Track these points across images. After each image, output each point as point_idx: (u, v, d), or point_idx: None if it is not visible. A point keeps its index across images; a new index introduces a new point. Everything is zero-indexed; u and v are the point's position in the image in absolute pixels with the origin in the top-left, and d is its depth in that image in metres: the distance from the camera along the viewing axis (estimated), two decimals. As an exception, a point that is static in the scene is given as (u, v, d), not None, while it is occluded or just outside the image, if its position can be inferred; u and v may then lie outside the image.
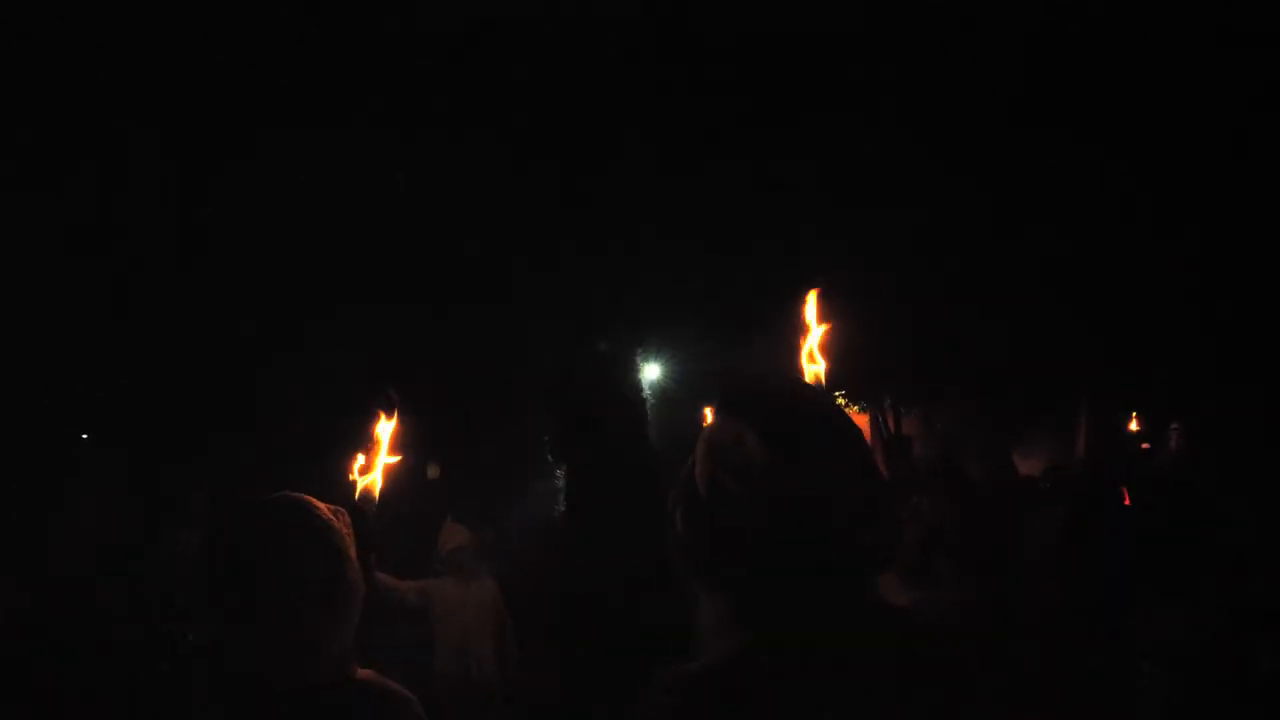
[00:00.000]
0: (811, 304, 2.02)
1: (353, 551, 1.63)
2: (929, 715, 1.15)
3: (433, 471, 5.55)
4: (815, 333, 1.99)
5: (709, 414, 3.93)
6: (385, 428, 2.02)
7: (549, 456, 2.24)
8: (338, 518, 1.65)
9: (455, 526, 4.90)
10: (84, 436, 7.23)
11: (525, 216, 6.92)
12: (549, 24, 6.25)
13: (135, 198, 6.34)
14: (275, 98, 6.23)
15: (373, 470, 1.97)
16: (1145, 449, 6.29)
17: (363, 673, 1.61)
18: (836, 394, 1.91)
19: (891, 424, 6.56)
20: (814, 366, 1.99)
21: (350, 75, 6.26)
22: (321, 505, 1.64)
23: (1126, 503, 3.85)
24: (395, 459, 2.03)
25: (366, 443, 2.00)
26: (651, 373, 7.58)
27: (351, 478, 1.98)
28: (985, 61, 6.32)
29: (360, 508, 1.89)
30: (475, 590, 4.73)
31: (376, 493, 1.95)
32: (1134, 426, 6.74)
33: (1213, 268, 6.77)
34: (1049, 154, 6.57)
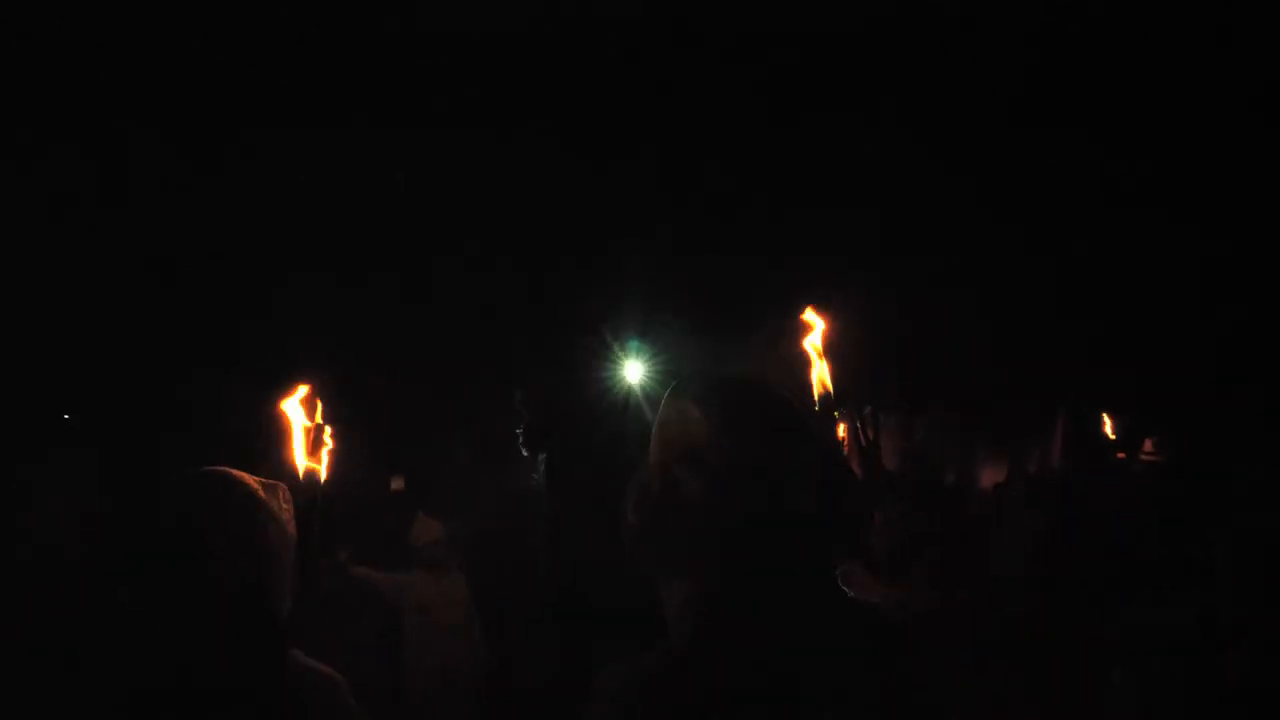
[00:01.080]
0: (810, 313, 2.01)
1: (288, 528, 1.60)
2: (897, 711, 1.15)
3: (397, 484, 5.54)
4: (815, 339, 1.98)
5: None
6: (324, 409, 1.99)
7: (522, 450, 2.21)
8: (272, 493, 1.61)
9: (428, 520, 4.89)
10: (65, 417, 7.16)
11: (506, 214, 6.90)
12: (547, 24, 6.22)
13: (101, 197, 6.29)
14: (261, 97, 6.18)
15: (318, 452, 1.94)
16: (1121, 457, 6.33)
17: (289, 652, 1.58)
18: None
19: (871, 432, 6.55)
20: (818, 374, 1.97)
21: (332, 73, 6.20)
22: (252, 480, 1.61)
23: (1101, 510, 3.89)
24: (336, 442, 2.00)
25: (307, 425, 1.97)
26: (635, 373, 7.60)
27: (293, 459, 1.95)
28: (976, 59, 6.34)
29: (305, 488, 1.86)
30: (448, 585, 4.72)
31: (321, 474, 1.91)
32: (1110, 434, 6.78)
33: (1195, 273, 6.83)
34: (1036, 153, 6.60)
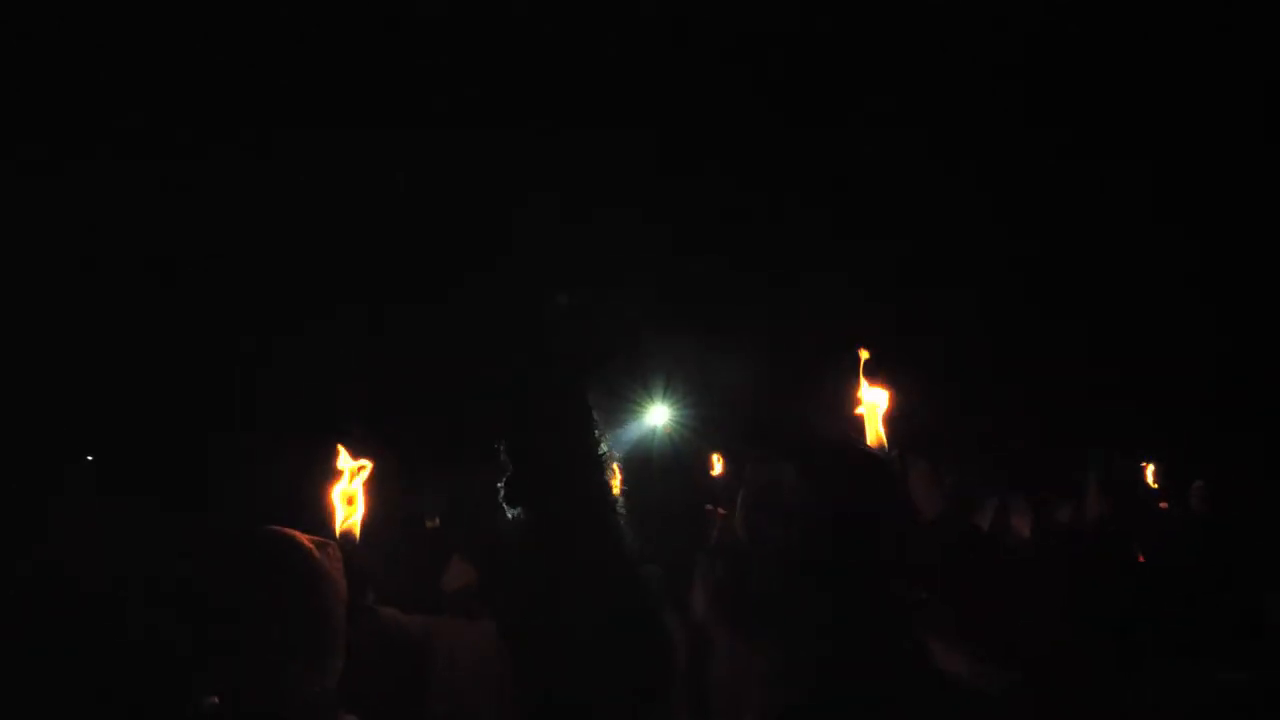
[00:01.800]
0: (860, 367, 2.01)
1: (341, 588, 1.59)
2: None
3: (431, 522, 5.53)
4: (870, 395, 1.98)
5: (717, 461, 3.93)
6: (359, 461, 2.00)
7: (503, 503, 2.20)
8: (325, 552, 1.60)
9: (461, 564, 4.85)
10: (89, 458, 7.24)
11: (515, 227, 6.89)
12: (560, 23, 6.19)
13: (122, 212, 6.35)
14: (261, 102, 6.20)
15: (354, 505, 1.94)
16: (1163, 507, 6.16)
17: (345, 719, 1.56)
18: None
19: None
20: (871, 427, 1.96)
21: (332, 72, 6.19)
22: (306, 540, 1.60)
23: (1140, 560, 3.80)
24: (375, 492, 2.00)
25: (343, 476, 1.97)
26: (660, 417, 7.57)
27: (333, 512, 1.95)
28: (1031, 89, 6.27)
29: (346, 543, 1.86)
30: (479, 629, 4.67)
31: (358, 529, 1.92)
32: (1151, 483, 6.61)
33: (1239, 314, 6.69)
34: (1070, 193, 6.53)
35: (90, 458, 7.19)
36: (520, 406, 2.28)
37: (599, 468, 2.25)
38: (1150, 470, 6.63)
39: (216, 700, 1.49)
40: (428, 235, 7.02)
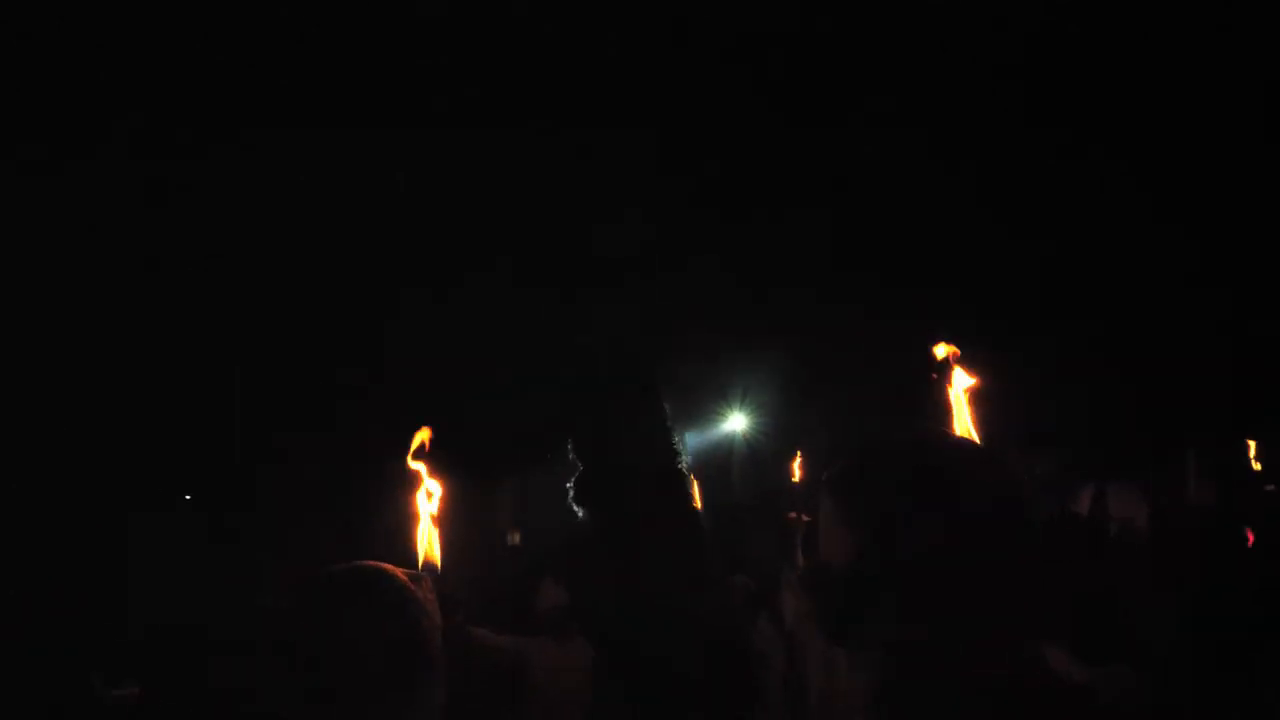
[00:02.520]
0: (952, 364, 1.95)
1: (437, 620, 1.56)
2: None
3: (513, 538, 5.55)
4: (960, 389, 1.92)
5: (797, 467, 3.86)
6: (428, 487, 1.98)
7: (573, 504, 2.15)
8: (419, 586, 1.58)
9: (553, 584, 4.85)
10: (187, 498, 7.44)
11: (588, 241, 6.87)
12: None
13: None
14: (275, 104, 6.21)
15: (434, 533, 1.92)
16: (1271, 489, 5.86)
17: None
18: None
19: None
20: (961, 422, 1.90)
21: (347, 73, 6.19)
22: (400, 574, 1.57)
23: (1250, 545, 3.62)
24: (456, 512, 1.98)
25: (425, 501, 1.95)
26: (738, 423, 7.51)
27: (415, 542, 1.93)
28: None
29: (433, 570, 1.84)
30: (570, 650, 4.67)
31: (438, 558, 1.89)
32: (1255, 463, 6.29)
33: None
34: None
35: (188, 497, 7.39)
36: (590, 402, 2.23)
37: (677, 466, 2.19)
38: (1253, 449, 6.31)
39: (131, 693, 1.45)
40: (487, 239, 7.06)
